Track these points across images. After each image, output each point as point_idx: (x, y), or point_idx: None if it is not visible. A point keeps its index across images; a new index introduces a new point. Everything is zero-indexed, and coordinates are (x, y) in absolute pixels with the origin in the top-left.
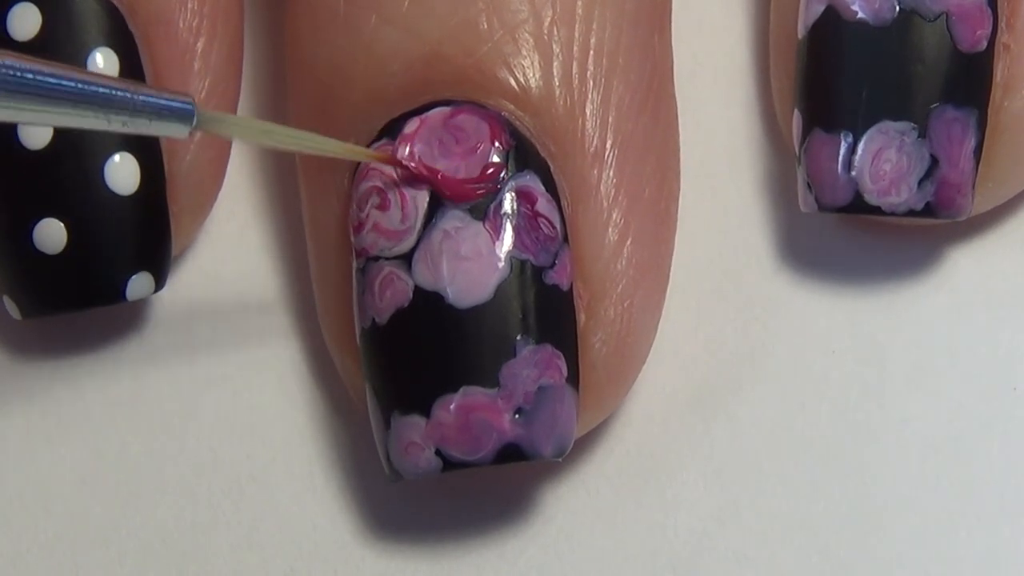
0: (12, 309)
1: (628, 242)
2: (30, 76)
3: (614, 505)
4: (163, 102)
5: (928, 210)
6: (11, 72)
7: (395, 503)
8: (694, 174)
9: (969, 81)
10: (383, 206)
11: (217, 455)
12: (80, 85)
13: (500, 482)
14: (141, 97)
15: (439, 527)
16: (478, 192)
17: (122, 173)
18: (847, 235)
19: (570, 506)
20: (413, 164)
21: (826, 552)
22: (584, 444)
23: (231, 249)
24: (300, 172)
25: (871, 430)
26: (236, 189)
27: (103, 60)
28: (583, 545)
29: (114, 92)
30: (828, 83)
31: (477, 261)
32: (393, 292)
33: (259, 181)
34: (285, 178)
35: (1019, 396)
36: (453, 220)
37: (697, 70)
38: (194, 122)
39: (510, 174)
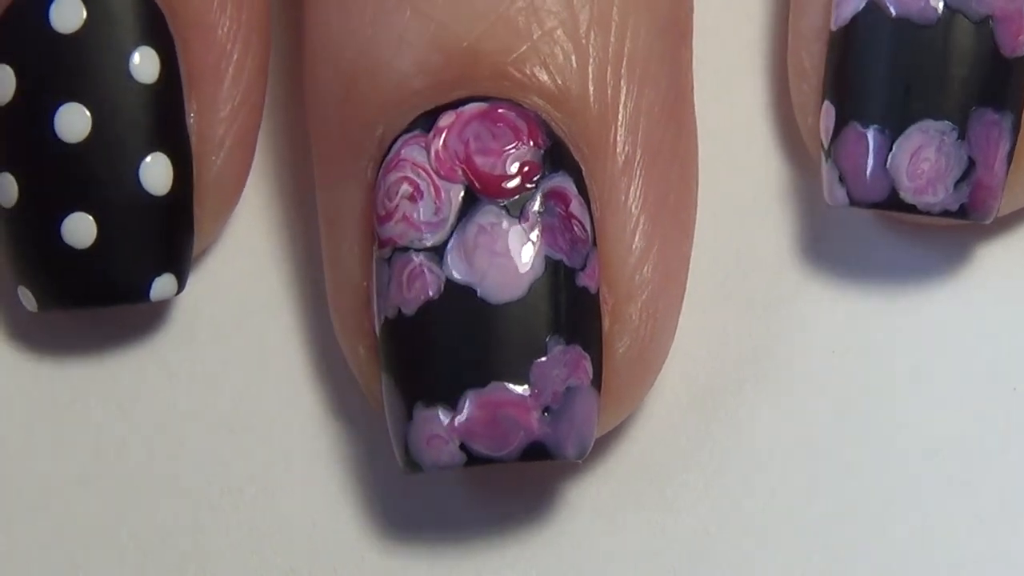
0: (28, 301)
1: (655, 250)
2: None
3: (614, 505)
4: None
5: (962, 211)
6: None
7: (396, 503)
8: None
9: (1008, 85)
10: (414, 197)
11: (217, 455)
12: None
13: (500, 482)
14: None
15: (439, 527)
16: (513, 189)
17: (156, 173)
18: (847, 236)
19: (570, 506)
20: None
21: (826, 552)
22: None
23: (233, 250)
24: (317, 160)
25: (871, 430)
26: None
27: (141, 58)
28: (583, 545)
29: None
30: (866, 77)
31: (511, 258)
32: (423, 284)
33: (263, 182)
34: (288, 179)
35: (1019, 396)
36: (489, 216)
37: (697, 70)
38: None
39: (545, 174)
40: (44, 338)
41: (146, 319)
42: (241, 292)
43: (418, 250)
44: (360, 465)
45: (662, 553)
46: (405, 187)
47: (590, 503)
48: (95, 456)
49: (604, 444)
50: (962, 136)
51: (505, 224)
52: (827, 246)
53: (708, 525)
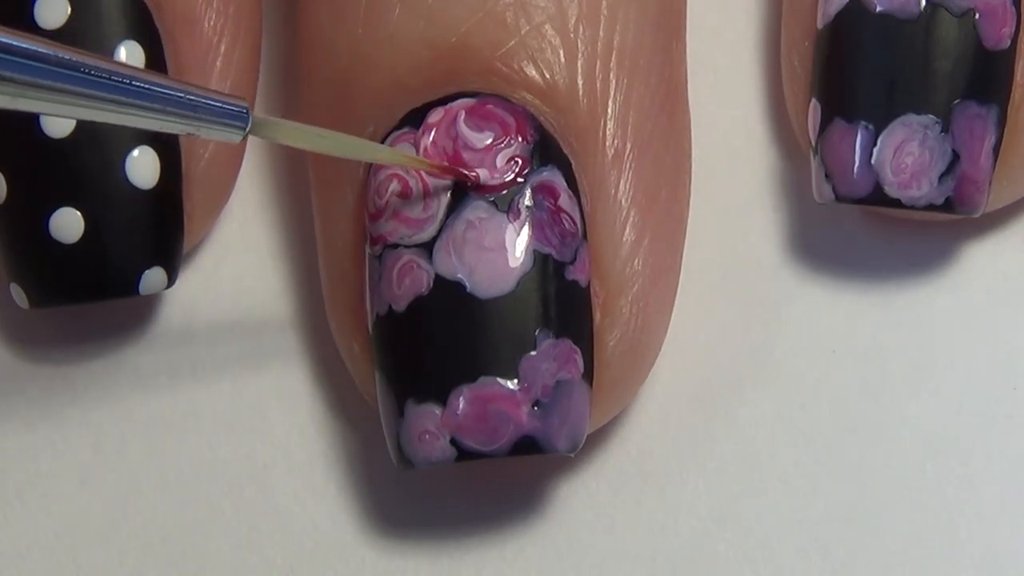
0: (20, 298)
1: (645, 242)
2: (85, 71)
3: (614, 505)
4: (217, 104)
5: (947, 205)
6: (73, 67)
7: (396, 503)
8: (693, 173)
9: (992, 78)
10: (404, 194)
11: (217, 455)
12: (135, 83)
13: (500, 482)
14: (195, 98)
15: (439, 527)
16: (502, 184)
17: (142, 166)
18: (847, 235)
19: (570, 506)
20: (470, 173)
21: (826, 552)
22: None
23: (231, 249)
24: (311, 160)
25: (871, 430)
26: (238, 188)
27: (127, 54)
28: (583, 545)
29: (169, 92)
30: (851, 74)
31: (500, 253)
32: (412, 280)
33: (260, 180)
34: (285, 177)
35: (1019, 396)
36: (477, 211)
37: (697, 70)
38: (248, 126)
39: (534, 168)
40: (44, 338)
41: (146, 319)
42: (240, 292)
43: (408, 247)
44: (360, 465)
45: (662, 553)
46: (395, 184)
47: (590, 502)
48: (95, 456)
49: (604, 443)
50: (945, 130)
51: (494, 218)
52: (827, 245)
53: (708, 525)
